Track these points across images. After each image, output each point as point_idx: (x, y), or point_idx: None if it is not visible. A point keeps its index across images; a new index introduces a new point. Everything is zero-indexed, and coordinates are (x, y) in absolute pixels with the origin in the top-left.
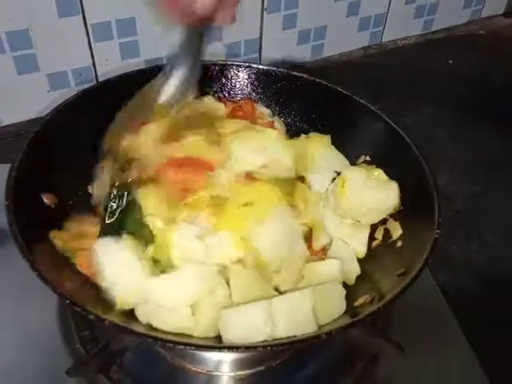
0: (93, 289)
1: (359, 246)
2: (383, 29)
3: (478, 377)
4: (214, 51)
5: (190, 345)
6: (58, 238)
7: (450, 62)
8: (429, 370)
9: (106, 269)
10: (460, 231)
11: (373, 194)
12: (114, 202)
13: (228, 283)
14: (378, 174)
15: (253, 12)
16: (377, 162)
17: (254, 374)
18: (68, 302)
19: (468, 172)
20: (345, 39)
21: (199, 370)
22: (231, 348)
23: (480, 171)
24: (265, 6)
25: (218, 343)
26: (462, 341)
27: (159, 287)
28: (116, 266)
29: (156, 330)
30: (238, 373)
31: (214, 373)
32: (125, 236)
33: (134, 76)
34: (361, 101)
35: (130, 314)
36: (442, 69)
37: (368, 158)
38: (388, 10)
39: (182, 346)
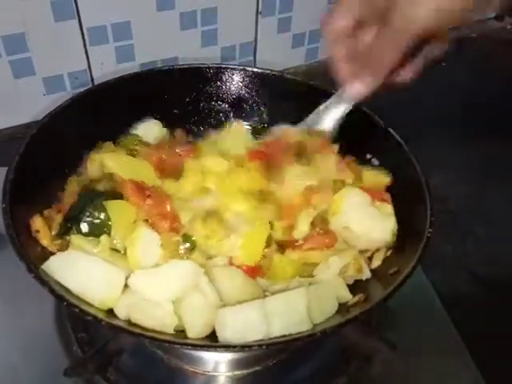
0: None
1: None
2: None
3: (472, 374)
4: (209, 54)
5: (188, 344)
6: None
7: (443, 64)
8: (423, 368)
9: (78, 283)
10: (455, 231)
11: (365, 222)
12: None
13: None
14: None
15: (247, 15)
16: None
17: (251, 374)
18: (66, 303)
19: (463, 173)
20: None
21: (196, 371)
22: (228, 347)
23: (475, 172)
24: (259, 10)
25: (213, 342)
26: (456, 339)
27: (143, 281)
28: (89, 277)
29: (135, 325)
30: (235, 373)
31: (210, 373)
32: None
33: (129, 79)
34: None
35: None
36: (435, 71)
37: (368, 156)
38: None
39: (178, 345)
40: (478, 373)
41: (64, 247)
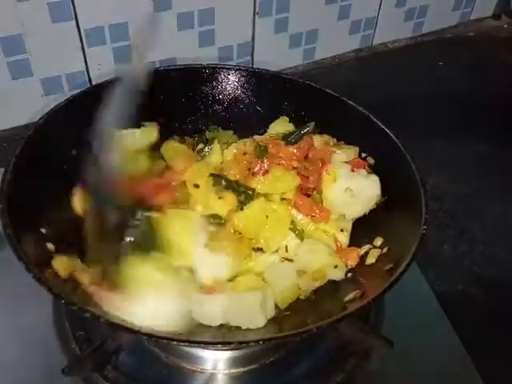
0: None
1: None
2: (374, 32)
3: (468, 370)
4: (206, 55)
5: (184, 341)
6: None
7: (441, 63)
8: (420, 366)
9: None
10: (451, 231)
11: (357, 182)
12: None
13: None
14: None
15: (245, 16)
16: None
17: (248, 372)
18: (63, 301)
19: (459, 173)
20: (336, 42)
21: (194, 369)
22: (225, 343)
23: (471, 172)
24: (256, 10)
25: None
26: (452, 337)
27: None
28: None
29: None
30: (233, 371)
31: (208, 371)
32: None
33: None
34: (349, 102)
35: None
36: (433, 71)
37: (364, 155)
38: (378, 13)
39: (175, 342)
40: (475, 371)
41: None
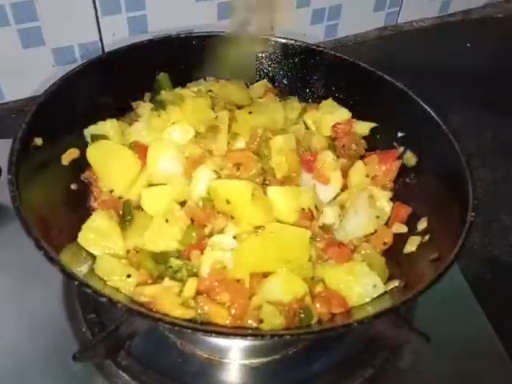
0: None
1: None
2: (399, 10)
3: (504, 365)
4: (225, 28)
5: (207, 331)
6: None
7: (468, 45)
8: (452, 359)
9: None
10: (481, 219)
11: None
12: None
13: None
14: None
15: None
16: (407, 141)
17: (268, 363)
18: (76, 282)
19: (488, 159)
20: (360, 19)
21: (211, 357)
22: (257, 335)
23: (500, 158)
24: None
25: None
26: (488, 329)
27: None
28: None
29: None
30: (252, 361)
31: (226, 360)
32: None
33: (140, 47)
34: (385, 77)
35: None
36: (460, 52)
37: (400, 134)
38: None
39: (200, 332)
40: (509, 360)
41: None
